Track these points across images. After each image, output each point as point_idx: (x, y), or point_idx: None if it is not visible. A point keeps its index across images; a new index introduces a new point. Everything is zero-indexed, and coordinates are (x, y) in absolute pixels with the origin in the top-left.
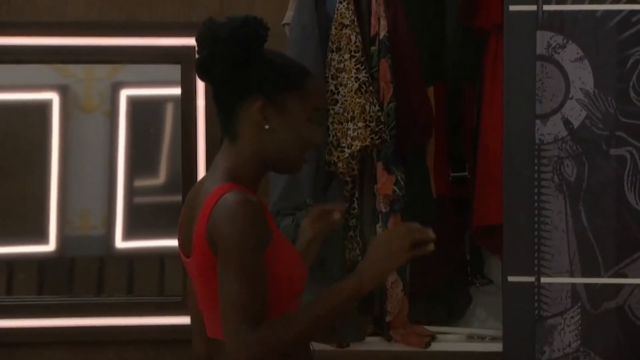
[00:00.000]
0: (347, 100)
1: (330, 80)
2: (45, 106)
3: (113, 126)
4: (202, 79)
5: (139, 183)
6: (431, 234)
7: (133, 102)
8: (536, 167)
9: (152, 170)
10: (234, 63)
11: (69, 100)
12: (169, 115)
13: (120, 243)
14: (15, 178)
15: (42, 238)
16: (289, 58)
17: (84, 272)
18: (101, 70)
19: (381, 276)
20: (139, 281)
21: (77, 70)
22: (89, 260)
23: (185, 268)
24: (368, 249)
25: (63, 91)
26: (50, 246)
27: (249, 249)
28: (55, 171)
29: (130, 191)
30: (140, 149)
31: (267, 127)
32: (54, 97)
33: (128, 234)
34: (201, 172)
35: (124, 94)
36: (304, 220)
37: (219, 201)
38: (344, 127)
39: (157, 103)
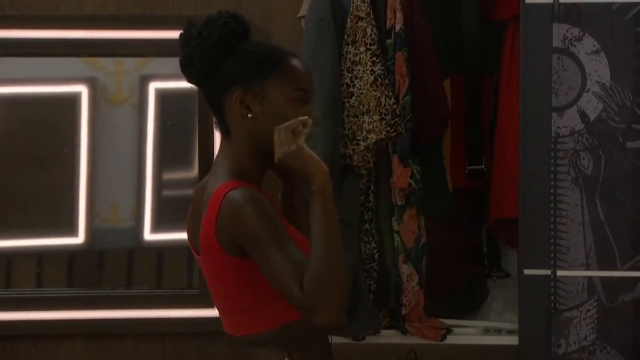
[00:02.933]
0: (362, 93)
1: (345, 73)
2: (74, 99)
3: (142, 119)
4: (188, 81)
5: (174, 175)
6: (302, 119)
7: (162, 94)
8: (552, 160)
9: (186, 163)
10: (208, 59)
11: (98, 93)
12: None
13: (149, 235)
14: (44, 171)
15: (71, 231)
16: (268, 45)
17: (113, 265)
18: (130, 63)
19: (310, 167)
20: (168, 274)
21: (106, 62)
22: (117, 252)
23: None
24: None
25: (92, 84)
26: (80, 239)
27: (271, 229)
28: (84, 164)
29: (159, 183)
30: (173, 142)
31: (249, 116)
32: (82, 89)
33: (157, 227)
34: None
35: (153, 86)
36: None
37: (224, 201)
38: (359, 120)
39: (187, 96)
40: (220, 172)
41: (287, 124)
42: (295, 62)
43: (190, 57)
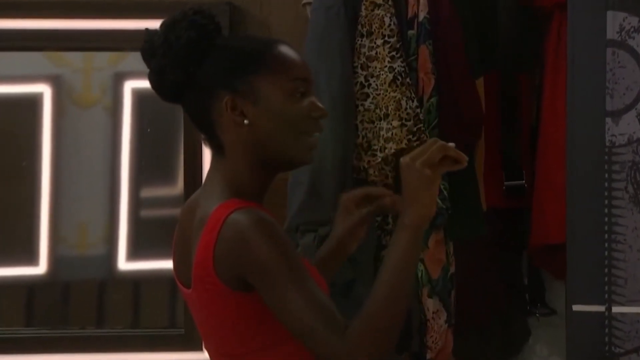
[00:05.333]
0: (379, 94)
1: (359, 70)
2: (34, 100)
3: (116, 124)
4: (163, 99)
5: (154, 193)
6: (464, 156)
7: (140, 95)
8: (606, 175)
9: (169, 177)
10: (182, 67)
11: (63, 93)
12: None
13: (124, 264)
14: None
15: (31, 258)
16: (248, 37)
17: (81, 300)
18: (101, 58)
19: (425, 200)
20: (147, 310)
21: (72, 58)
22: (86, 284)
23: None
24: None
25: (56, 82)
26: (41, 268)
27: (287, 261)
28: (47, 178)
29: (136, 202)
30: (153, 152)
31: (246, 122)
32: (45, 89)
33: (133, 254)
34: None
35: (129, 85)
36: (342, 198)
37: (225, 224)
38: (375, 127)
39: None
40: (216, 191)
41: (452, 144)
42: (284, 49)
43: (160, 69)
